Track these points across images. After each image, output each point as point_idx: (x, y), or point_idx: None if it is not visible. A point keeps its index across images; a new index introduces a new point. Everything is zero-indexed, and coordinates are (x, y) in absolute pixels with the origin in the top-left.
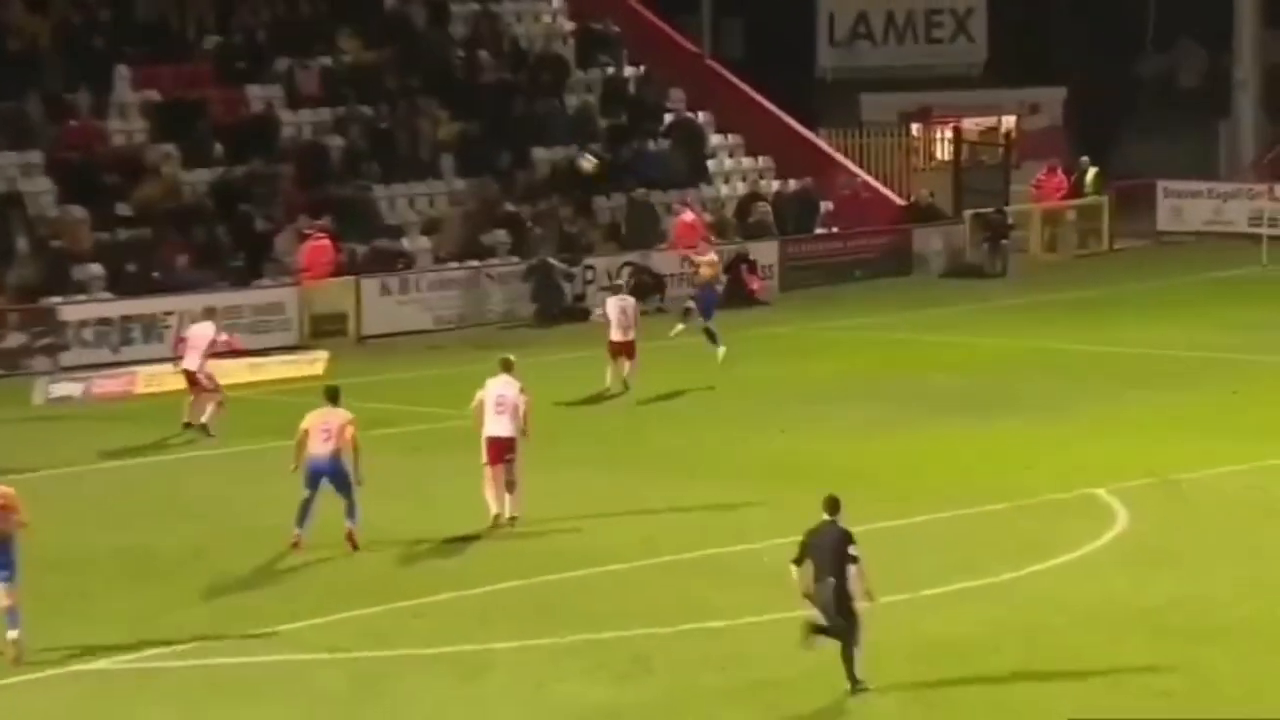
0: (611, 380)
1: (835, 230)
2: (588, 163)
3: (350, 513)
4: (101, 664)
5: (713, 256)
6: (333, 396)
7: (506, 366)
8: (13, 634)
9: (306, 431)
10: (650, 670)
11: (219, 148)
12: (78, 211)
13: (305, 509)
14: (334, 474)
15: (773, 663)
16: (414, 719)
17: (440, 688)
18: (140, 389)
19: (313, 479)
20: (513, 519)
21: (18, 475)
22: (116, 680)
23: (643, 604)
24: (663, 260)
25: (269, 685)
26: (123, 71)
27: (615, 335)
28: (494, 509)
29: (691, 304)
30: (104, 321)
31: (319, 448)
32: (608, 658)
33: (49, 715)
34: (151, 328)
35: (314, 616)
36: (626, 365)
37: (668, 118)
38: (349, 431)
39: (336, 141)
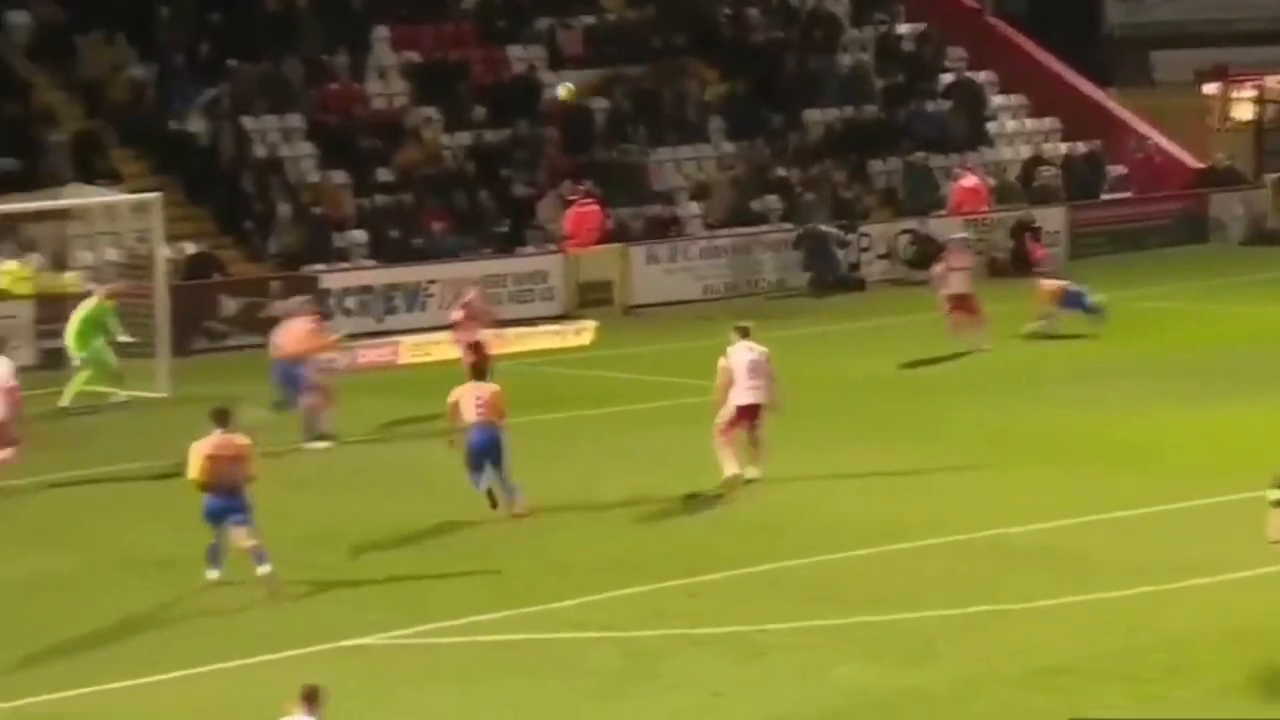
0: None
1: (1126, 195)
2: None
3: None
4: (372, 639)
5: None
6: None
7: (745, 333)
8: (264, 569)
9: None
10: (936, 655)
11: (480, 110)
12: (338, 177)
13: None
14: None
15: (1064, 649)
16: (689, 699)
17: (716, 668)
18: (404, 359)
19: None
20: (751, 480)
21: (278, 447)
22: (389, 656)
23: (928, 585)
24: (941, 226)
25: (543, 662)
26: (381, 33)
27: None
28: (732, 469)
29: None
30: (366, 290)
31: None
32: (891, 641)
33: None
34: (414, 296)
35: (586, 594)
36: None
37: (946, 77)
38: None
39: (601, 104)
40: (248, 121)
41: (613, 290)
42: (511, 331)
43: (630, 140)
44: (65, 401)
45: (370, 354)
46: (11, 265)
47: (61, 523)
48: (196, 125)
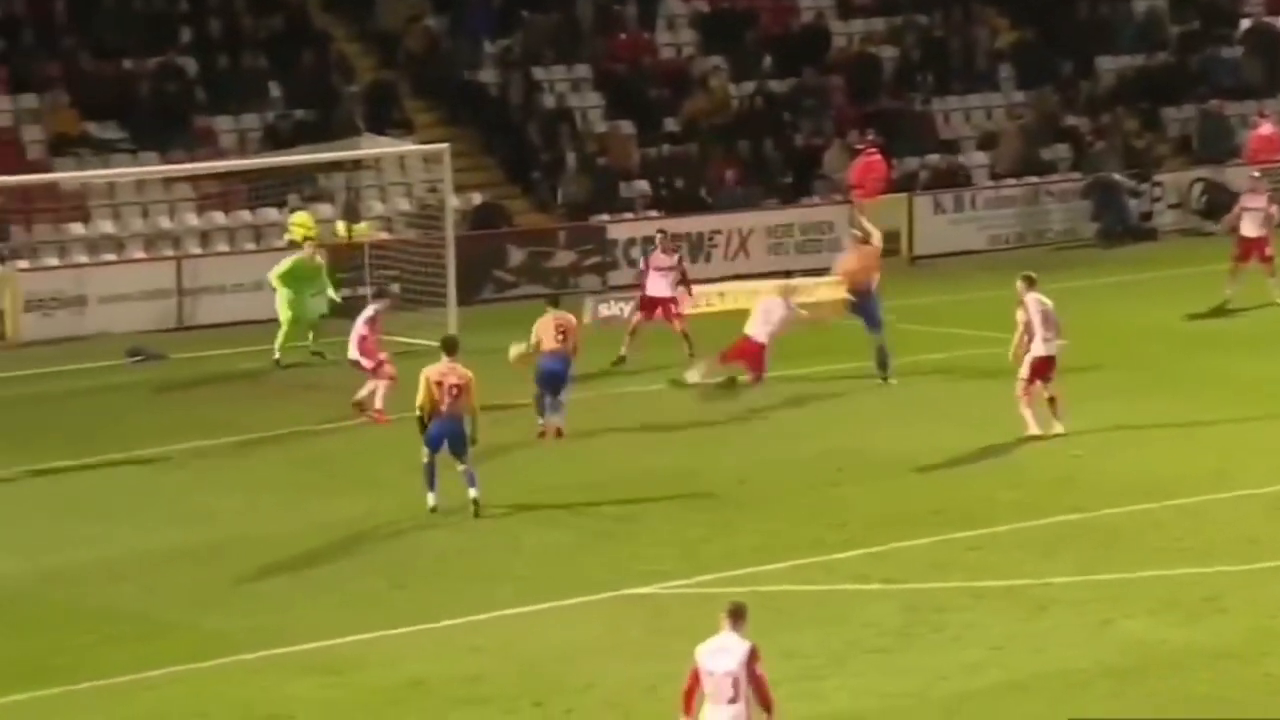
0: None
1: None
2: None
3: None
4: (654, 588)
5: None
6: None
7: (1031, 283)
8: (473, 492)
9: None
10: (1224, 610)
11: (768, 60)
12: (625, 127)
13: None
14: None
15: None
16: (971, 653)
17: (999, 622)
18: (686, 309)
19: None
20: (1059, 435)
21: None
22: (669, 605)
23: (1214, 540)
24: (1236, 175)
25: (824, 614)
26: None
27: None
28: (1033, 428)
29: None
30: (650, 240)
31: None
32: (1178, 595)
33: (601, 638)
34: (699, 247)
35: (866, 545)
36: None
37: (1244, 23)
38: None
39: (889, 52)
40: (537, 72)
41: (898, 241)
42: (797, 281)
43: (918, 89)
44: (276, 354)
45: None
46: (301, 216)
47: (352, 468)
48: (488, 76)
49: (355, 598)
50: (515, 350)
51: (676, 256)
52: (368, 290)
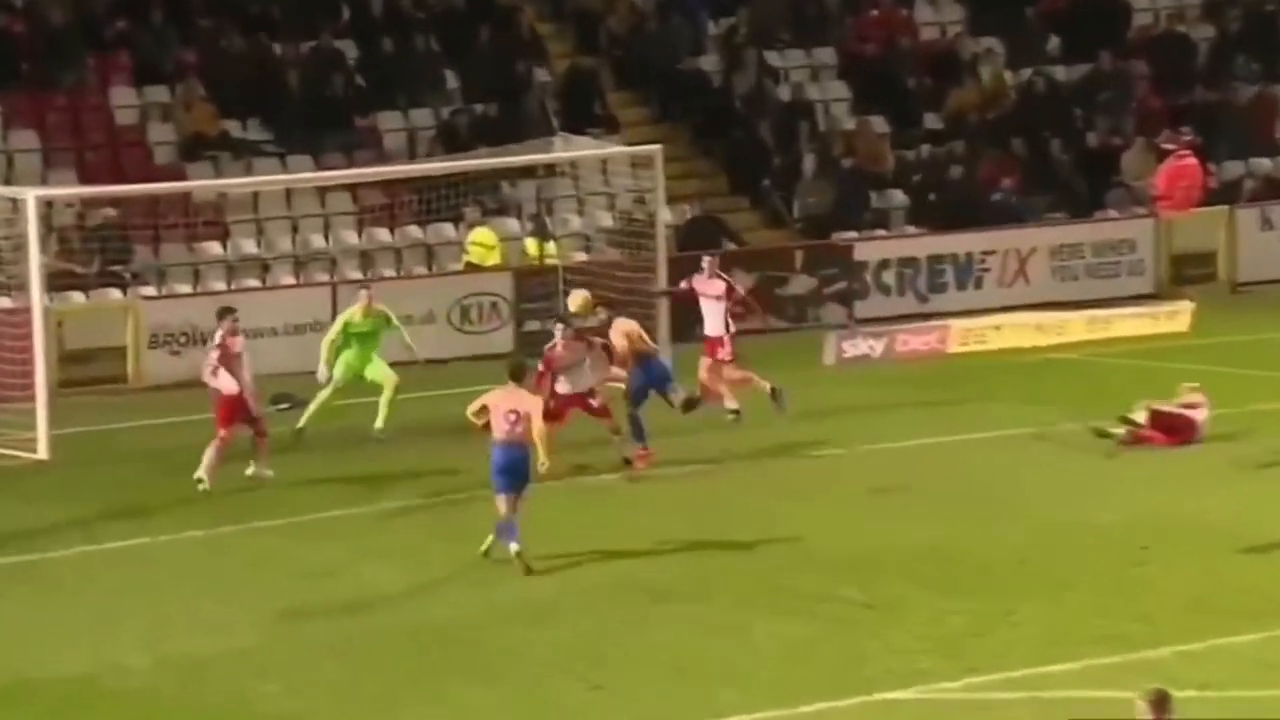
0: None
1: None
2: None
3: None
4: (910, 693)
5: None
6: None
7: None
8: (513, 546)
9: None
10: None
11: (1053, 41)
12: (877, 123)
13: None
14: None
15: None
16: None
17: None
18: (953, 347)
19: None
20: None
21: (818, 453)
22: (931, 714)
23: None
24: None
25: None
26: None
27: None
28: None
29: None
30: (908, 262)
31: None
32: None
33: None
34: (966, 269)
35: (1179, 641)
36: None
37: None
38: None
39: (1205, 31)
40: (770, 57)
41: (1215, 263)
42: (1088, 314)
43: (1240, 77)
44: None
45: (913, 340)
46: (482, 232)
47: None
48: (708, 63)
49: (543, 702)
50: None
51: (724, 284)
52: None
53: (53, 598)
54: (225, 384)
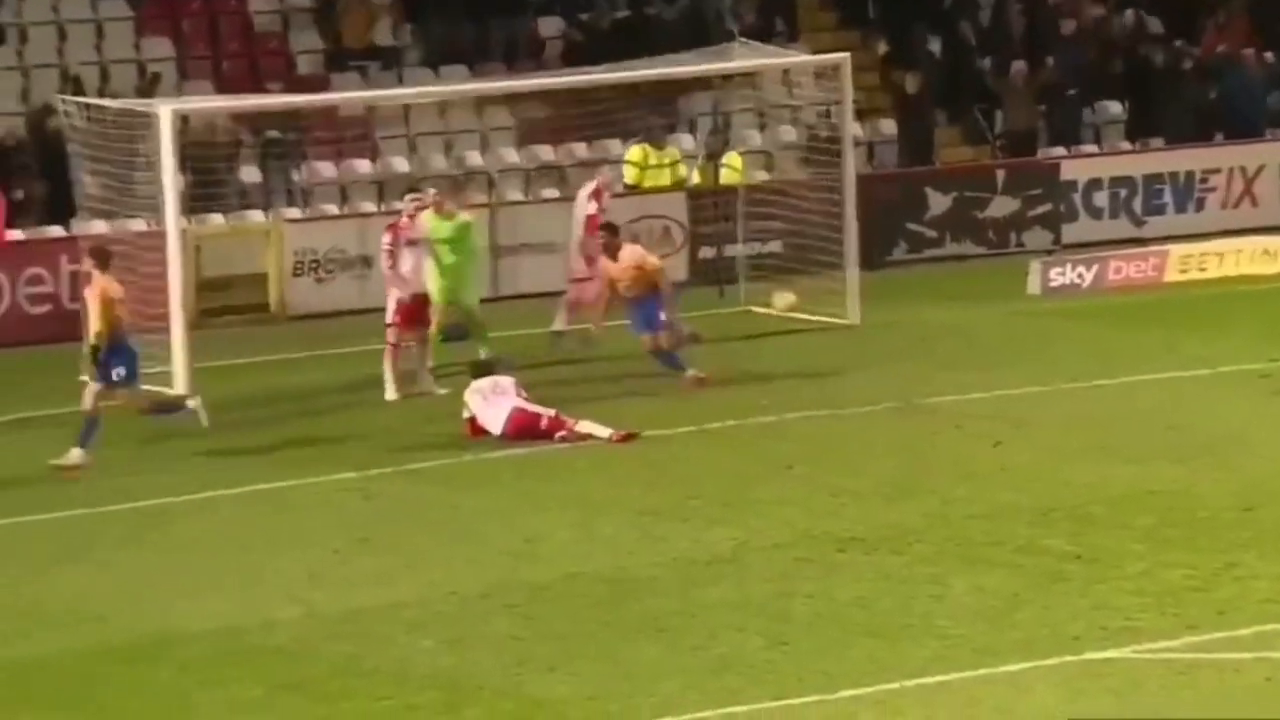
0: None
1: None
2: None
3: None
4: (1124, 652)
5: None
6: None
7: None
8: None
9: None
10: None
11: None
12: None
13: None
14: None
15: None
16: None
17: None
18: (1170, 276)
19: None
20: None
21: (1017, 390)
22: (1147, 674)
23: None
24: None
25: None
26: None
27: None
28: None
29: None
30: (1120, 182)
31: None
32: None
33: (1054, 716)
34: (1187, 190)
35: None
36: None
37: None
38: None
39: None
40: None
41: None
42: None
43: None
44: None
45: (1126, 267)
46: (635, 151)
47: (716, 485)
48: None
49: (721, 660)
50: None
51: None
52: (739, 249)
53: (194, 546)
54: (402, 278)
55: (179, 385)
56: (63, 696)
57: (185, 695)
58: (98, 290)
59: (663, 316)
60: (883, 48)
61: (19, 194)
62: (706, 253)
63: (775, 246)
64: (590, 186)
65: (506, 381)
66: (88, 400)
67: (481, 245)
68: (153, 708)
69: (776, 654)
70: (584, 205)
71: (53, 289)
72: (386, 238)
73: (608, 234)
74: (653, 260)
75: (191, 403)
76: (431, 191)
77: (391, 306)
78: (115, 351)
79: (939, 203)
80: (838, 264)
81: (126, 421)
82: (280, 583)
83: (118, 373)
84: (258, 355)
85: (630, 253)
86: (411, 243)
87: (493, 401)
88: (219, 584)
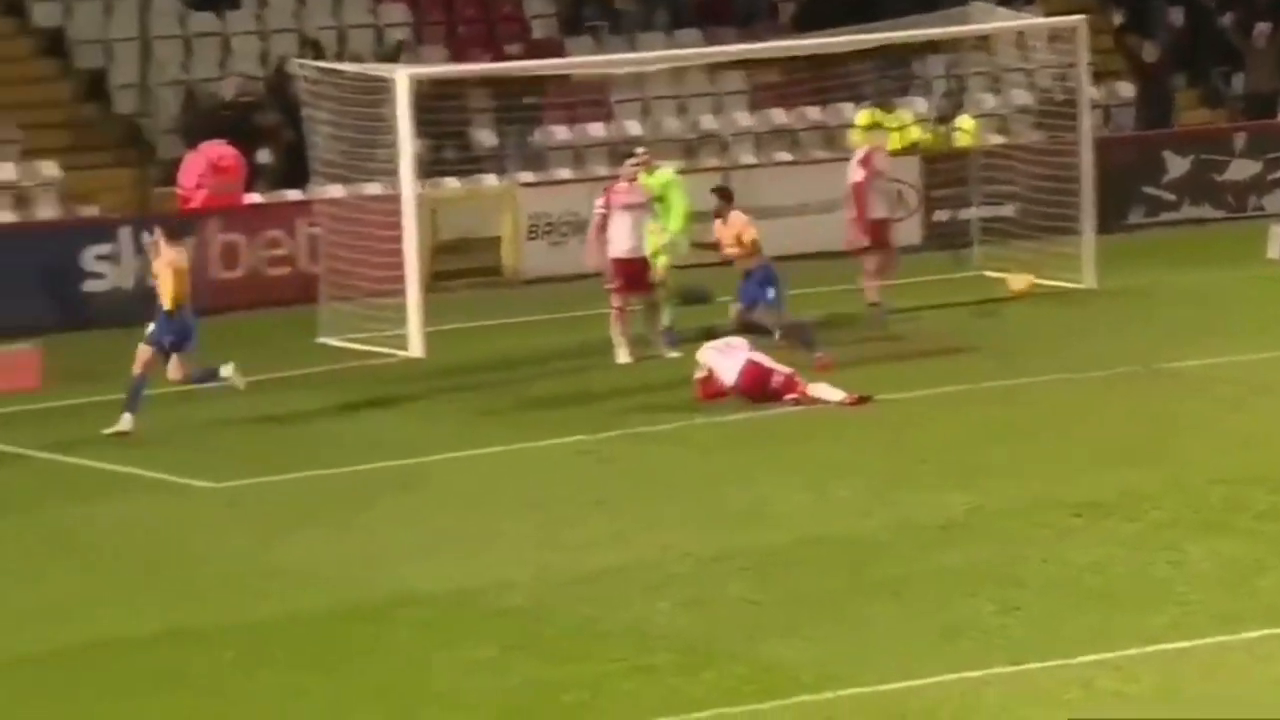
0: None
1: None
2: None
3: None
4: None
5: None
6: None
7: None
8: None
9: None
10: None
11: None
12: None
13: None
14: None
15: None
16: None
17: None
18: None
19: None
20: None
21: (1244, 356)
22: None
23: None
24: None
25: None
26: None
27: None
28: None
29: None
30: None
31: None
32: None
33: None
34: None
35: None
36: None
37: None
38: None
39: None
40: None
41: None
42: None
43: None
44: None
45: None
46: (863, 114)
47: (949, 450)
48: None
49: (953, 623)
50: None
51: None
52: (973, 212)
53: (428, 506)
54: (615, 240)
55: (413, 347)
56: (301, 656)
57: (422, 655)
58: (167, 261)
59: (769, 293)
60: (1118, 19)
61: (262, 157)
62: (940, 216)
63: (1009, 210)
64: (860, 153)
65: (739, 340)
66: (139, 364)
67: (711, 209)
68: (389, 668)
69: (1009, 619)
70: (854, 171)
71: (289, 251)
72: (599, 201)
73: (720, 198)
74: (750, 233)
75: (225, 370)
76: (640, 150)
77: (609, 270)
78: (171, 321)
79: (1177, 166)
80: (1073, 228)
81: (351, 392)
82: (515, 544)
83: (167, 340)
84: (491, 319)
85: (734, 220)
86: (628, 206)
87: (728, 354)
88: (454, 545)
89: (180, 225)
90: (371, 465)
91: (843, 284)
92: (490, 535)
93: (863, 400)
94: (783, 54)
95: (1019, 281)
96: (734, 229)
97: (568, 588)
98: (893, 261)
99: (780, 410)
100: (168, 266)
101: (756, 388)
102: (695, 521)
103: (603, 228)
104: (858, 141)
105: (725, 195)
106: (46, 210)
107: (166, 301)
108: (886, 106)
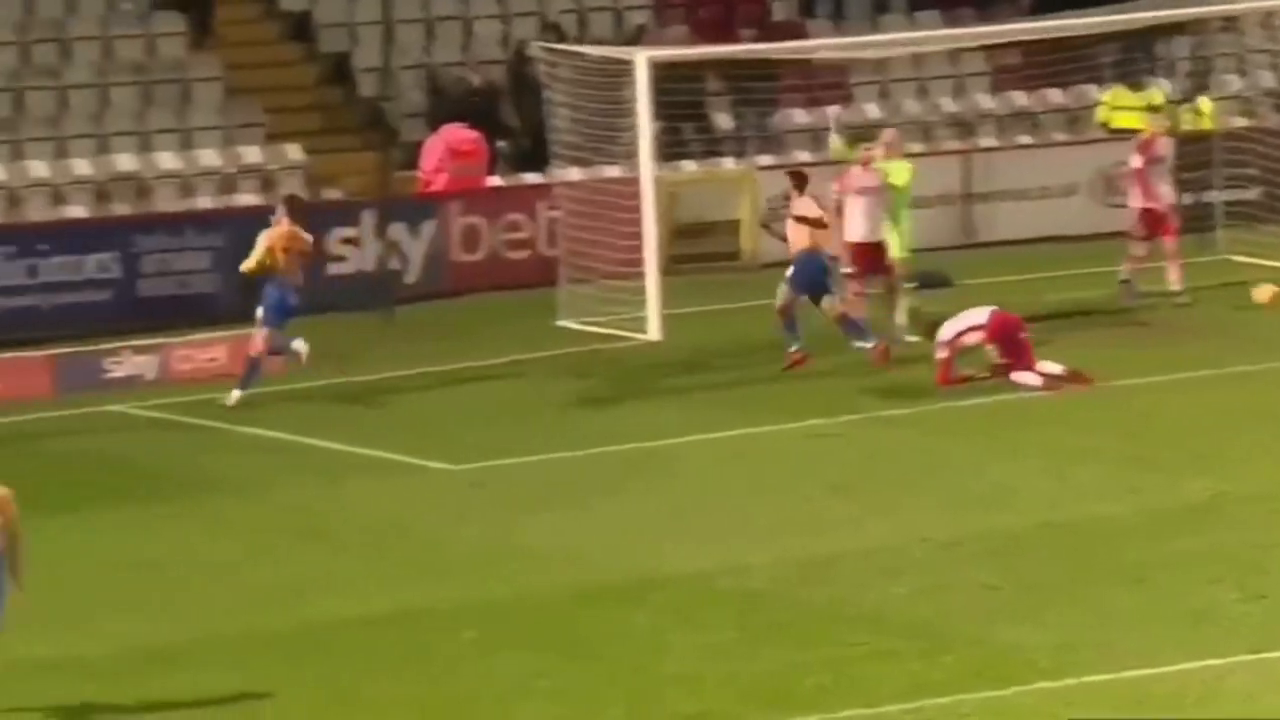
0: None
1: None
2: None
3: None
4: None
5: None
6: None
7: None
8: None
9: None
10: None
11: None
12: None
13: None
14: None
15: None
16: None
17: None
18: None
19: None
20: None
21: None
22: None
23: None
24: None
25: None
26: None
27: None
28: None
29: None
30: None
31: None
32: None
33: None
34: None
35: None
36: None
37: None
38: None
39: None
40: None
41: None
42: None
43: None
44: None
45: None
46: (1113, 94)
47: (1191, 436)
48: None
49: (1195, 610)
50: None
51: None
52: (1216, 195)
53: (667, 489)
54: (851, 225)
55: (652, 330)
56: (541, 637)
57: (661, 638)
58: (274, 232)
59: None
60: None
61: (502, 140)
62: (1185, 199)
63: (1254, 194)
64: (1141, 139)
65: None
66: (257, 343)
67: (952, 192)
68: (629, 650)
69: (1253, 607)
70: (1133, 158)
71: (530, 234)
72: (834, 186)
73: (792, 179)
74: (812, 215)
75: (296, 344)
76: (889, 132)
77: (845, 256)
78: (264, 293)
79: None
80: None
81: (590, 375)
82: (753, 528)
83: (260, 310)
84: (729, 302)
85: (799, 204)
86: (863, 190)
87: (965, 315)
88: (693, 528)
89: (422, 208)
90: (610, 448)
91: (1084, 268)
92: (728, 518)
93: (1079, 378)
94: (1025, 36)
95: (1263, 293)
96: (798, 210)
97: (806, 571)
98: (1175, 247)
99: (1020, 396)
100: (265, 238)
101: (1007, 332)
102: (933, 506)
103: (839, 213)
104: (1107, 118)
105: (796, 177)
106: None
107: (252, 266)
108: (1133, 84)
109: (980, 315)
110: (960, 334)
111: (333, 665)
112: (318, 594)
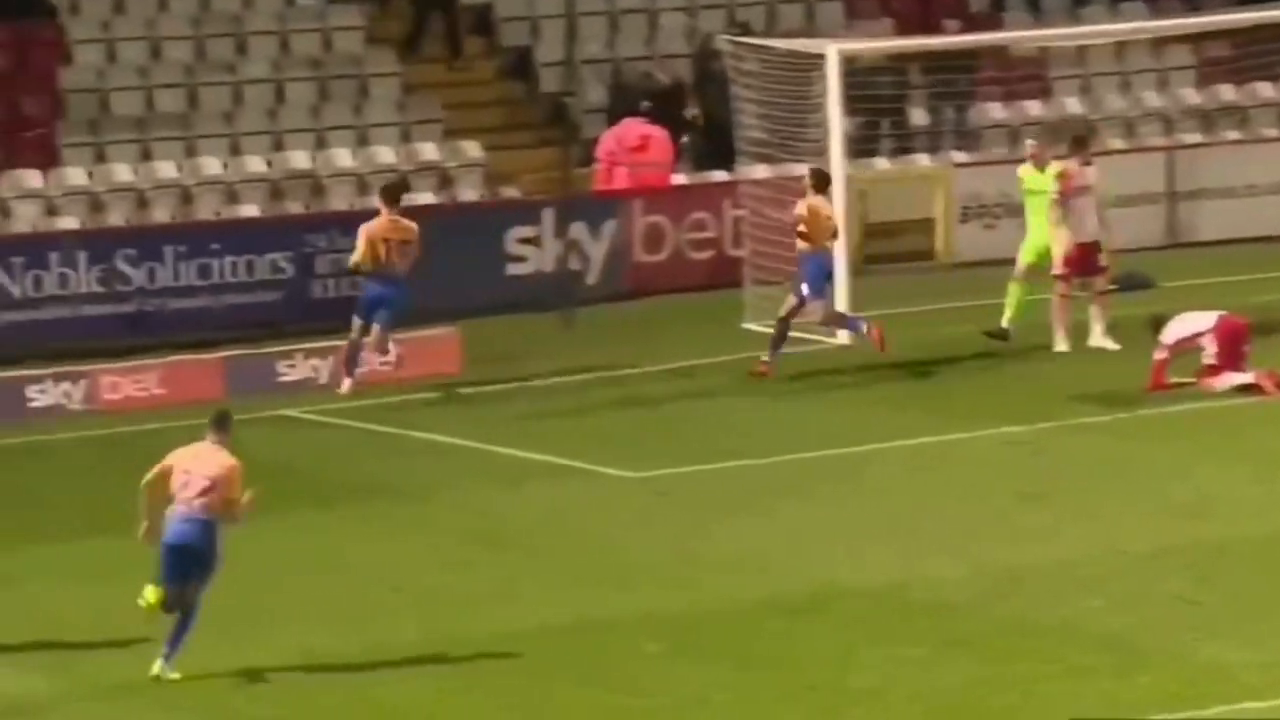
0: None
1: None
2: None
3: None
4: None
5: None
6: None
7: None
8: None
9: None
10: None
11: None
12: None
13: None
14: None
15: None
16: None
17: None
18: None
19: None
20: None
21: None
22: None
23: None
24: None
25: None
26: None
27: None
28: None
29: None
30: None
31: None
32: None
33: None
34: None
35: None
36: None
37: None
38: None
39: None
40: None
41: None
42: None
43: None
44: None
45: None
46: None
47: None
48: None
49: None
50: None
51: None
52: None
53: (856, 498)
54: (1073, 225)
55: (842, 334)
56: (722, 647)
57: (847, 650)
58: (373, 225)
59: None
60: None
61: (687, 137)
62: None
63: None
64: None
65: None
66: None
67: (1155, 190)
68: (813, 662)
69: None
70: None
71: (715, 234)
72: (1054, 186)
73: (810, 177)
74: (824, 214)
75: (393, 347)
76: (1030, 143)
77: (1059, 256)
78: (370, 288)
79: None
80: None
81: (778, 379)
82: (944, 538)
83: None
84: (922, 304)
85: (803, 204)
86: (1081, 190)
87: (1190, 319)
88: (881, 537)
89: (604, 207)
90: (799, 455)
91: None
92: (920, 528)
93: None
94: (1234, 26)
95: None
96: (802, 209)
97: (999, 583)
98: None
99: (1227, 402)
100: (364, 231)
101: (1234, 340)
102: (1132, 516)
103: (1061, 212)
104: None
105: (815, 176)
106: (469, 192)
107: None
108: None
109: (1207, 320)
110: (1185, 339)
111: (511, 676)
112: (495, 603)
